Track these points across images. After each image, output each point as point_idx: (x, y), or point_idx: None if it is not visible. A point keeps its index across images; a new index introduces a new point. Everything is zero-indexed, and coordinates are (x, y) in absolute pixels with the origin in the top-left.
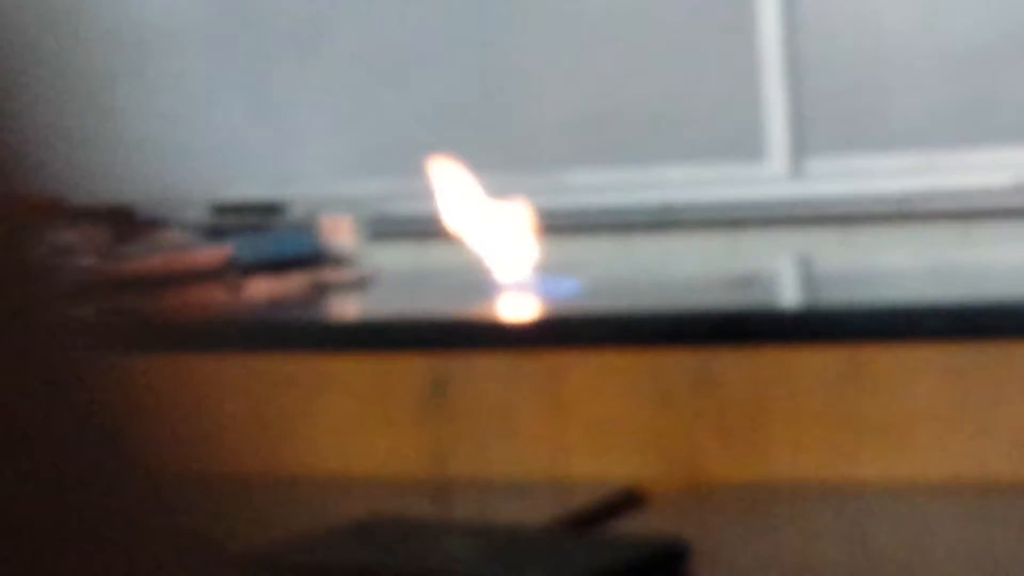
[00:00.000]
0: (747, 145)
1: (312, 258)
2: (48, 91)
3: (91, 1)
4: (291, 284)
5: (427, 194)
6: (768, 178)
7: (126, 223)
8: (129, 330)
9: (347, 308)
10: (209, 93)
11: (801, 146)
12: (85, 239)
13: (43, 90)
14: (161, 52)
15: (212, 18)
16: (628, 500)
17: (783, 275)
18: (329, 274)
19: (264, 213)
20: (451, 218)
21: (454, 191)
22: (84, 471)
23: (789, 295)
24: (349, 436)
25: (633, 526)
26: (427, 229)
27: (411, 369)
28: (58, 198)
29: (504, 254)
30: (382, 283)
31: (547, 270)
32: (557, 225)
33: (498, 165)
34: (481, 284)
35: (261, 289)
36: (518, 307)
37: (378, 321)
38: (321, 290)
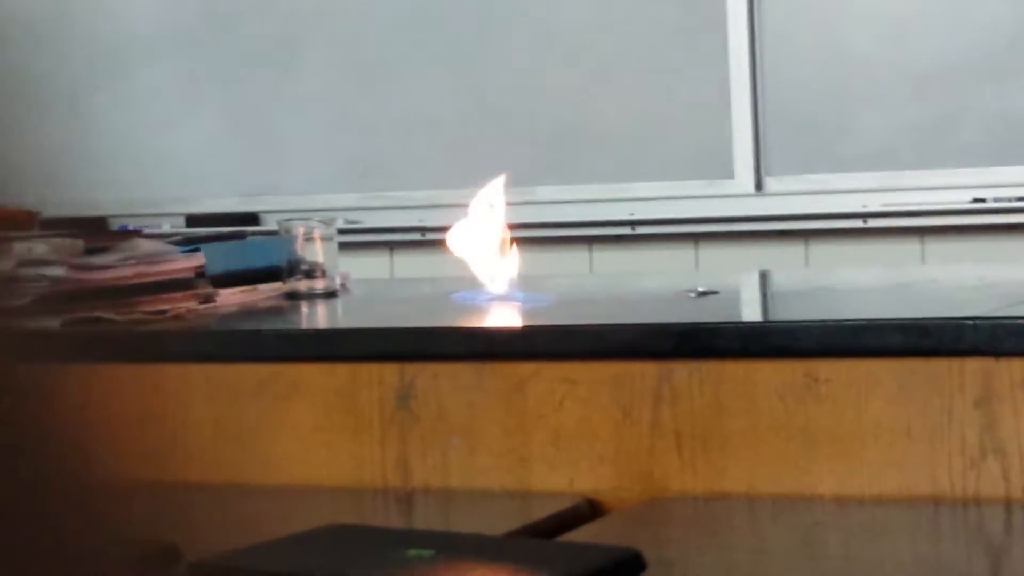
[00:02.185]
0: (715, 163)
1: (284, 268)
2: (22, 100)
3: (69, 11)
4: (262, 294)
5: (399, 206)
6: (733, 195)
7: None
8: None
9: (316, 317)
10: (185, 104)
11: (765, 164)
12: (57, 249)
13: (15, 100)
14: (139, 62)
15: (190, 30)
16: (587, 511)
17: (744, 289)
18: (301, 284)
19: (238, 223)
20: (431, 230)
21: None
22: (13, 479)
23: (748, 310)
24: (314, 445)
25: (591, 537)
26: (398, 240)
27: (376, 378)
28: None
29: (480, 265)
30: (353, 293)
31: (515, 282)
32: (525, 238)
33: (468, 179)
34: (450, 295)
35: (233, 298)
36: (483, 318)
37: (344, 330)
38: (293, 299)
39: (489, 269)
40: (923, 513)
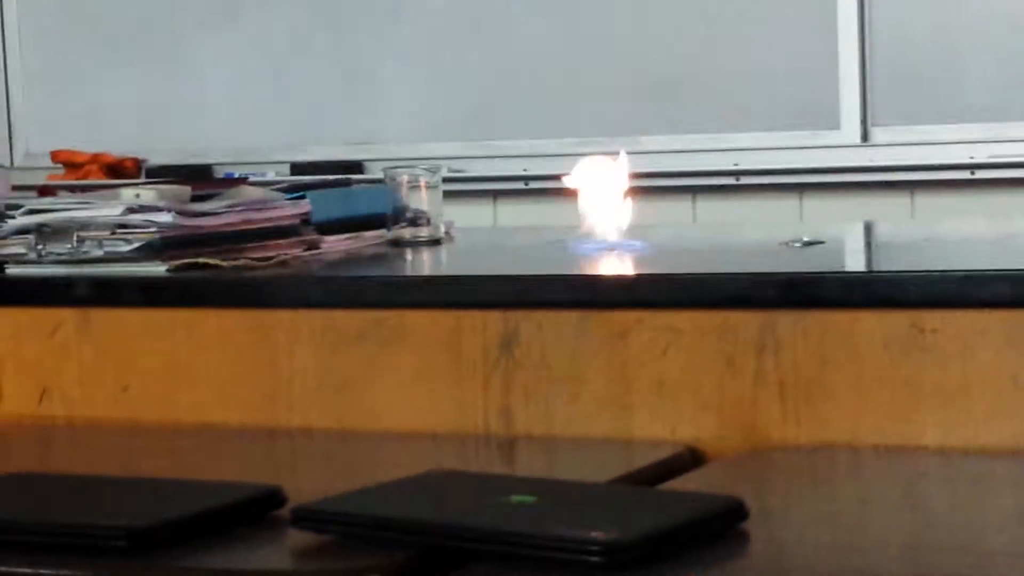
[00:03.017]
0: (821, 113)
1: (389, 216)
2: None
3: None
4: (367, 241)
5: (502, 155)
6: (839, 145)
7: (204, 180)
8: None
9: (420, 265)
10: (290, 53)
11: (871, 115)
12: (164, 195)
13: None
14: (245, 10)
15: None
16: (689, 460)
17: (849, 240)
18: (405, 231)
19: (342, 172)
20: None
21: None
22: None
23: (852, 260)
24: (417, 391)
25: (693, 485)
26: (502, 189)
27: (480, 325)
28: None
29: (591, 212)
30: (457, 241)
31: (619, 231)
32: (629, 188)
33: (574, 129)
34: (554, 243)
35: (338, 246)
36: (586, 266)
37: (448, 277)
38: (397, 247)
39: (594, 217)
40: None
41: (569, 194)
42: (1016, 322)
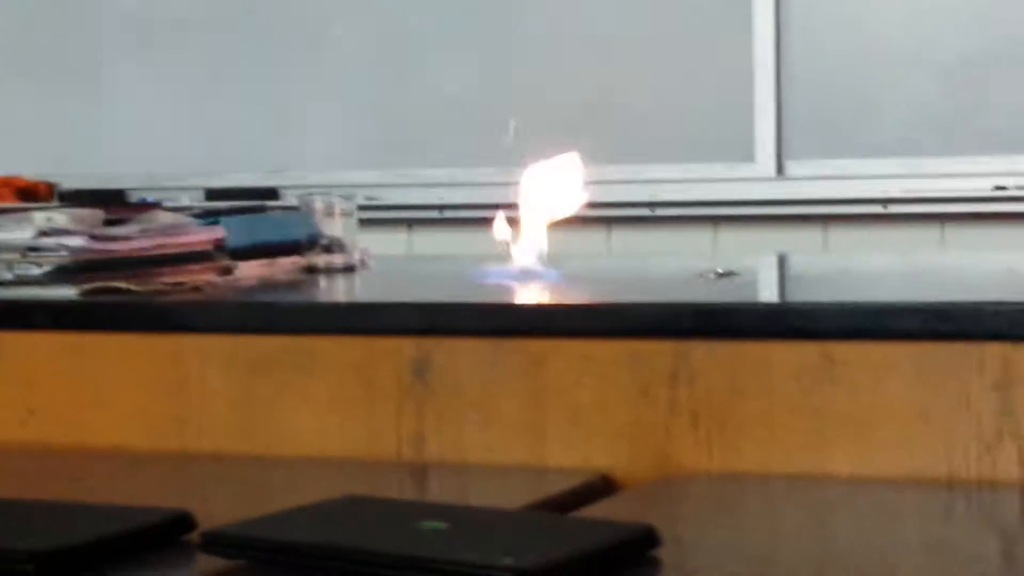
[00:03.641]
0: (736, 146)
1: (304, 243)
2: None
3: None
4: (281, 267)
5: (418, 184)
6: (754, 178)
7: (118, 205)
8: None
9: (334, 291)
10: (208, 79)
11: (786, 149)
12: (77, 219)
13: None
14: (163, 36)
15: (216, 6)
16: (601, 487)
17: (762, 272)
18: (320, 258)
19: (258, 198)
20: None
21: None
22: None
23: (766, 291)
24: (330, 417)
25: (605, 513)
26: (417, 218)
27: (393, 352)
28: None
29: (508, 242)
30: (371, 268)
31: (533, 260)
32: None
33: (490, 159)
34: (468, 271)
35: (252, 272)
36: (501, 294)
37: (361, 304)
38: (311, 274)
39: (508, 247)
40: (937, 496)
41: (484, 223)
42: (925, 354)
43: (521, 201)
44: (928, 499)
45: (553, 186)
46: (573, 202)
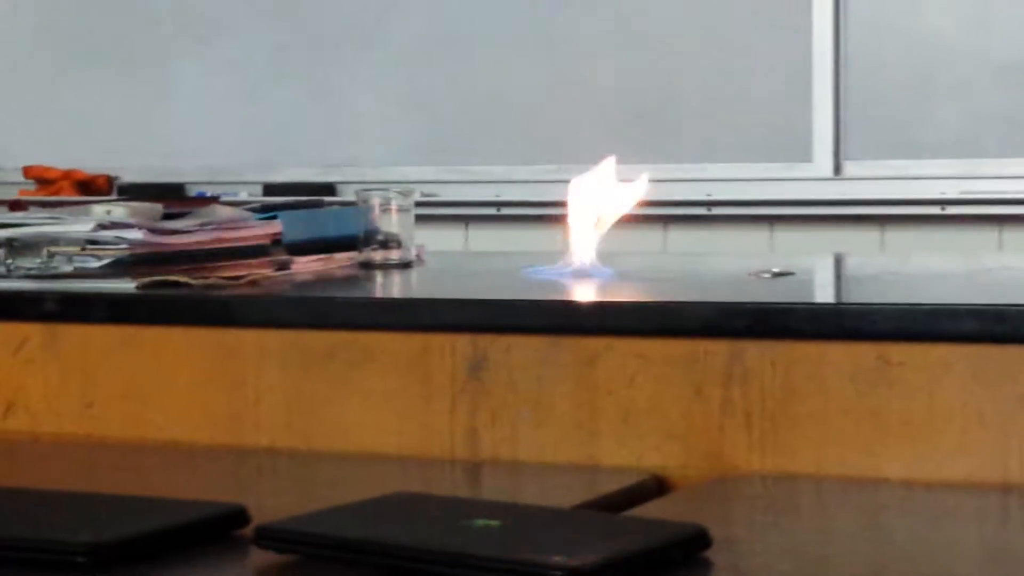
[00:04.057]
0: (794, 146)
1: (360, 239)
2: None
3: None
4: (338, 262)
5: (475, 180)
6: (811, 178)
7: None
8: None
9: (390, 287)
10: (267, 74)
11: (844, 149)
12: (135, 213)
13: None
14: (223, 31)
15: (277, 1)
16: (654, 487)
17: (818, 272)
18: (376, 254)
19: (315, 194)
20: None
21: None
22: None
23: (822, 291)
24: (385, 413)
25: (657, 513)
26: (473, 215)
27: (448, 349)
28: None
29: (566, 240)
30: (428, 264)
31: (589, 258)
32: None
33: (547, 157)
34: (525, 269)
35: (309, 267)
36: (556, 292)
37: (418, 300)
38: (367, 269)
39: (566, 244)
40: (992, 500)
41: (541, 220)
42: (982, 357)
43: (577, 200)
44: (983, 503)
45: (608, 186)
46: (626, 203)
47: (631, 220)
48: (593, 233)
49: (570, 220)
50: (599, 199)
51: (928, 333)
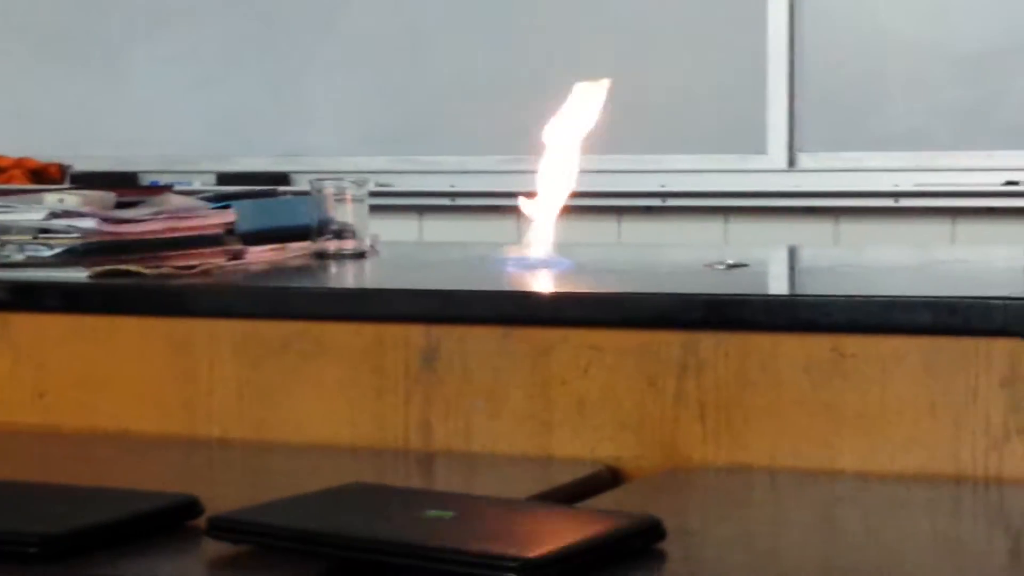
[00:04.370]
0: (748, 138)
1: (314, 228)
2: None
3: None
4: (291, 252)
5: (429, 170)
6: (765, 170)
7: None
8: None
9: (344, 277)
10: (221, 63)
11: (798, 141)
12: (88, 201)
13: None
14: (176, 20)
15: None
16: (608, 478)
17: (772, 264)
18: (330, 244)
19: (269, 183)
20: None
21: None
22: None
23: (776, 283)
24: (338, 403)
25: (611, 504)
26: (428, 205)
27: (402, 339)
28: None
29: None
30: (381, 255)
31: (543, 249)
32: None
33: (501, 147)
34: (478, 259)
35: (262, 256)
36: (510, 283)
37: (371, 290)
38: (321, 259)
39: (522, 233)
40: (944, 491)
41: (496, 211)
42: (935, 349)
43: (531, 189)
44: (935, 495)
45: (558, 173)
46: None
47: (585, 211)
48: (547, 223)
49: (531, 207)
50: (555, 182)
51: (881, 325)
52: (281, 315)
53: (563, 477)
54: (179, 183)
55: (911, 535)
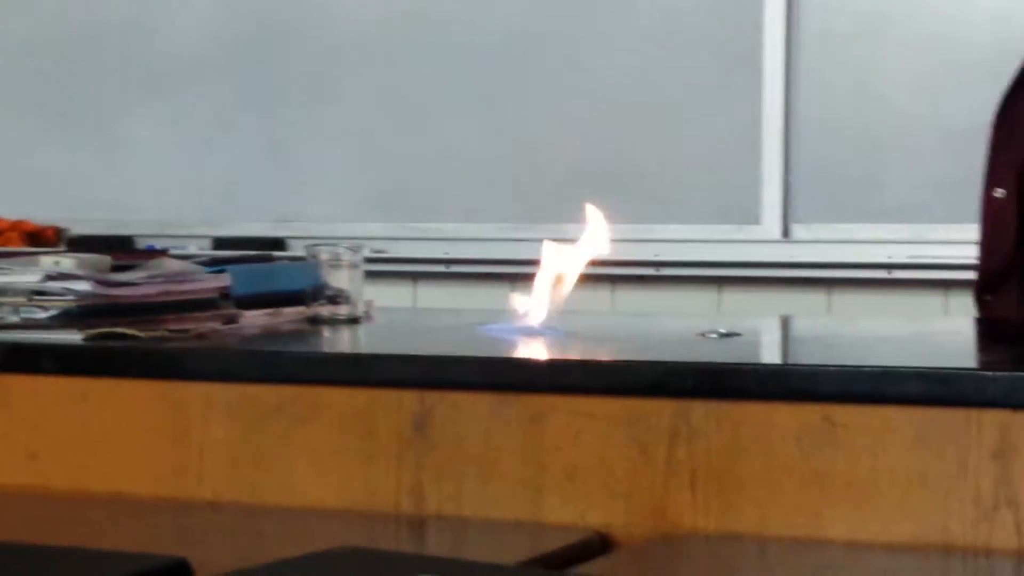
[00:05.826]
0: (742, 208)
1: (309, 293)
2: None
3: (107, 30)
4: (286, 317)
5: (424, 237)
6: (759, 240)
7: (125, 251)
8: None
9: (338, 342)
10: (218, 129)
11: (793, 212)
12: (84, 264)
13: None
14: (173, 85)
15: (227, 56)
16: (598, 545)
17: (765, 333)
18: (324, 309)
19: (264, 248)
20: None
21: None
22: None
23: (768, 352)
24: (330, 468)
25: (601, 570)
26: (422, 271)
27: (395, 404)
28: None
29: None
30: (376, 320)
31: (537, 316)
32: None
33: (496, 215)
34: (472, 326)
35: (257, 320)
36: (503, 350)
37: (364, 355)
38: (316, 324)
39: (519, 302)
40: (934, 562)
41: (490, 278)
42: (926, 419)
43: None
44: (924, 565)
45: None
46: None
47: (580, 279)
48: (543, 291)
49: (538, 278)
50: (569, 255)
51: (873, 395)
52: (274, 379)
53: (553, 543)
54: (175, 247)
55: None
